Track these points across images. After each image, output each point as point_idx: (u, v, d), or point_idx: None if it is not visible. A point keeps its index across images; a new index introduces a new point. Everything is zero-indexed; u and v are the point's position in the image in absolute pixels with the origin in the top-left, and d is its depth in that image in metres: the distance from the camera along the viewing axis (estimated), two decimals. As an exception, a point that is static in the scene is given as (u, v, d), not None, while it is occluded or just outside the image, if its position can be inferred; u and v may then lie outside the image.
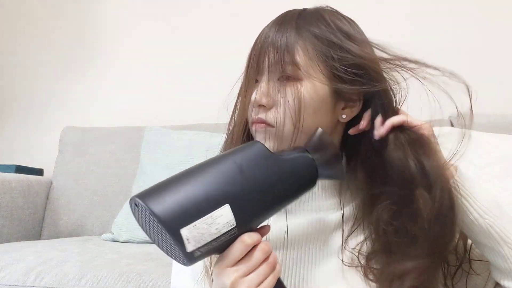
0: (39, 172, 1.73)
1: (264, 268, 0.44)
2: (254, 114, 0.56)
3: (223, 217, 0.42)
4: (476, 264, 0.56)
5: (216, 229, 0.41)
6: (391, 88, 0.55)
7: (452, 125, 1.34)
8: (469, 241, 0.56)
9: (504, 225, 0.51)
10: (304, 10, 0.58)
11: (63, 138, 1.64)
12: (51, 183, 1.58)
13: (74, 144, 1.61)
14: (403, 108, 0.62)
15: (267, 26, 0.58)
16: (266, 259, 0.44)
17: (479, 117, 1.31)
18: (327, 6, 0.60)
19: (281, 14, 0.58)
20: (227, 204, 0.42)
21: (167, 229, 0.40)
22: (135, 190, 1.37)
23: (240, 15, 1.74)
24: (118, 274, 0.86)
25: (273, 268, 0.45)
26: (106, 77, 1.88)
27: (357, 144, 0.58)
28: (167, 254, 0.44)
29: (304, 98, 0.53)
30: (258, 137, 0.56)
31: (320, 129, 0.52)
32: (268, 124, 0.55)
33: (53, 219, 1.50)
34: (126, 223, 1.28)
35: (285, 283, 0.49)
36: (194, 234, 0.40)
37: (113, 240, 1.27)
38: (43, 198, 1.52)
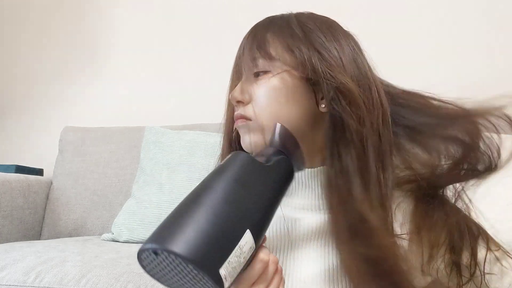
0: (39, 172, 1.73)
1: (276, 279, 0.45)
2: (235, 111, 0.59)
3: (247, 244, 0.40)
4: (488, 277, 0.56)
5: (244, 258, 0.40)
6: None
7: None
8: (481, 255, 0.55)
9: None
10: (278, 14, 0.61)
11: (63, 138, 1.64)
12: (51, 183, 1.58)
13: (74, 144, 1.61)
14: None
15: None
16: (276, 269, 0.45)
17: (479, 117, 1.31)
18: (307, 11, 0.62)
19: (260, 20, 0.62)
20: (248, 230, 0.40)
21: (206, 273, 0.36)
22: (135, 190, 1.37)
23: (240, 15, 1.74)
24: (118, 274, 0.86)
25: (281, 277, 0.46)
26: (106, 77, 1.88)
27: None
28: None
29: (274, 88, 0.56)
30: (240, 131, 0.59)
31: (278, 124, 0.53)
32: (247, 118, 0.57)
33: (53, 219, 1.50)
34: (126, 223, 1.28)
35: None
36: (230, 270, 0.38)
37: (113, 240, 1.27)
38: (43, 198, 1.52)
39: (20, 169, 1.63)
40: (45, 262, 0.91)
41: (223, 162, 0.47)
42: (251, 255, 0.42)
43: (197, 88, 1.76)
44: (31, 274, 0.88)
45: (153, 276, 0.41)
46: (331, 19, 0.61)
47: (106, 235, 1.29)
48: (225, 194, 0.42)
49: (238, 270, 0.40)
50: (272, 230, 0.57)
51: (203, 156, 1.32)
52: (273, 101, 0.56)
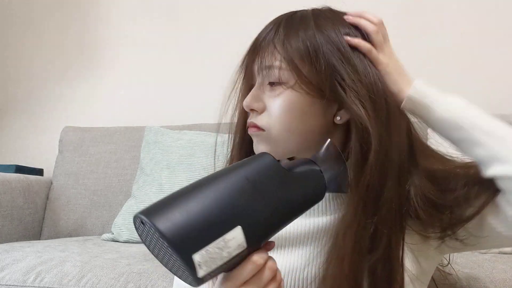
0: (39, 172, 1.73)
1: (272, 287, 0.43)
2: (249, 118, 0.57)
3: (234, 240, 0.39)
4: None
5: (228, 252, 0.39)
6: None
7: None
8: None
9: (471, 113, 0.51)
10: (295, 13, 0.58)
11: (63, 138, 1.64)
12: (51, 183, 1.58)
13: (74, 144, 1.61)
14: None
15: (261, 30, 0.58)
16: (273, 277, 0.44)
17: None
18: (326, 7, 0.59)
19: (274, 18, 0.59)
20: (239, 226, 0.40)
21: (178, 253, 0.37)
22: (135, 190, 1.37)
23: (240, 15, 1.74)
24: (118, 274, 0.86)
25: (279, 286, 0.44)
26: (106, 77, 1.88)
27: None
28: (172, 272, 0.42)
29: (289, 101, 0.54)
30: (254, 140, 0.58)
31: (329, 140, 0.51)
32: (260, 128, 0.56)
33: (53, 219, 1.50)
34: (126, 223, 1.28)
35: None
36: (206, 259, 0.38)
37: (113, 240, 1.27)
38: (43, 198, 1.53)
39: (20, 169, 1.63)
40: (45, 262, 0.91)
41: (246, 159, 0.46)
42: (239, 253, 0.40)
43: (196, 88, 1.76)
44: (31, 274, 0.88)
45: (147, 246, 0.42)
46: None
47: (106, 235, 1.29)
48: (228, 187, 0.41)
49: (219, 263, 0.39)
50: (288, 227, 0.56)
51: (203, 156, 1.32)
52: (287, 114, 0.54)
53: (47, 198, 1.54)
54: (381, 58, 0.54)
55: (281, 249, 0.57)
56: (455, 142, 0.53)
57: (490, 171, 0.50)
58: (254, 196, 0.42)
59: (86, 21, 1.93)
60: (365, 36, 0.56)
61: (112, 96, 1.86)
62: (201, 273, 0.38)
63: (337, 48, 0.53)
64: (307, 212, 0.57)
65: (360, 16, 0.56)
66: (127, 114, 1.81)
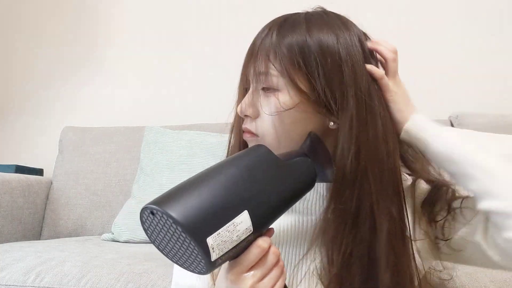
0: (39, 172, 1.73)
1: (276, 271, 0.45)
2: (243, 124, 0.58)
3: (242, 224, 0.42)
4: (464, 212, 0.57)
5: (237, 236, 0.41)
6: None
7: (452, 125, 1.34)
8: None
9: (466, 148, 0.53)
10: (288, 17, 0.57)
11: (63, 138, 1.64)
12: (51, 183, 1.58)
13: (74, 144, 1.61)
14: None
15: (256, 35, 0.58)
16: (277, 262, 0.45)
17: (479, 117, 1.31)
18: (319, 8, 0.59)
19: (268, 22, 0.58)
20: (246, 210, 0.42)
21: (193, 238, 0.38)
22: (135, 190, 1.37)
23: (241, 15, 1.74)
24: (118, 274, 0.86)
25: (282, 271, 0.46)
26: (106, 77, 1.88)
27: None
28: (179, 264, 0.43)
29: (282, 107, 0.53)
30: (249, 145, 0.58)
31: (312, 133, 0.53)
32: (254, 134, 0.56)
33: (53, 219, 1.50)
34: (126, 223, 1.28)
35: None
36: (218, 242, 0.40)
37: (113, 240, 1.27)
38: (43, 198, 1.53)
39: (20, 169, 1.64)
40: (45, 262, 0.91)
41: (243, 150, 0.49)
42: (246, 237, 0.43)
43: (196, 88, 1.76)
44: (31, 274, 0.88)
45: (153, 240, 0.43)
46: (343, 20, 0.57)
47: (106, 235, 1.29)
48: (231, 175, 0.44)
49: (229, 246, 0.41)
50: (287, 225, 0.57)
51: (203, 156, 1.32)
52: (280, 122, 0.54)
53: (47, 198, 1.54)
54: (391, 86, 0.56)
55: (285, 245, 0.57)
56: (450, 174, 0.56)
57: (482, 205, 0.51)
58: (254, 183, 0.45)
59: (86, 21, 1.93)
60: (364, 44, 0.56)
61: (112, 96, 1.86)
62: (214, 256, 0.40)
63: (328, 54, 0.52)
64: (303, 210, 0.58)
65: (379, 44, 0.58)
66: (127, 114, 1.81)
